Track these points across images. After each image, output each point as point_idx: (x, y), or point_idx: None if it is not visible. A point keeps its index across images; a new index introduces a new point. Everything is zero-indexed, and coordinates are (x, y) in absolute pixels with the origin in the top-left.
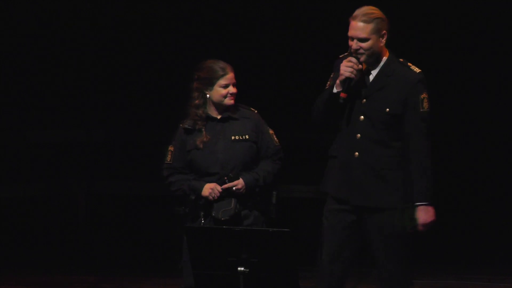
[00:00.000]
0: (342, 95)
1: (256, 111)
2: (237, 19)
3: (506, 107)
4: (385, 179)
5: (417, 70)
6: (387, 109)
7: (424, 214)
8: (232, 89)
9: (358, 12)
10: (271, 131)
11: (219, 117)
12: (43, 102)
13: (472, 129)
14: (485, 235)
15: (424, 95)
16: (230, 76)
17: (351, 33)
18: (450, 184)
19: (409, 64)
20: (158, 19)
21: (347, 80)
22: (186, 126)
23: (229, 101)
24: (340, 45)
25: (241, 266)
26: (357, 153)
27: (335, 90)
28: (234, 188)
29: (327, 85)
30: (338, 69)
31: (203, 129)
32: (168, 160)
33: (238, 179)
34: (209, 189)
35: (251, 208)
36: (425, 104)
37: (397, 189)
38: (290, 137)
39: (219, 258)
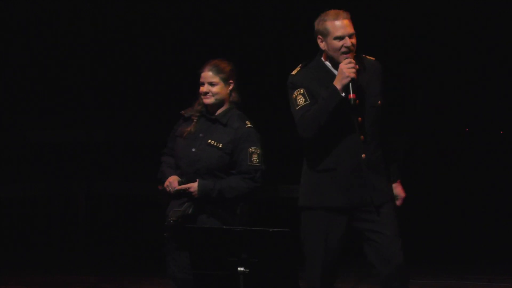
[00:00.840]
0: (352, 96)
1: (249, 126)
2: (239, 19)
3: (506, 107)
4: (384, 172)
5: (373, 58)
6: (379, 102)
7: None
8: (204, 88)
9: (335, 12)
10: (253, 150)
11: (210, 115)
12: (43, 102)
13: (473, 129)
14: (485, 235)
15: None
16: (205, 74)
17: (341, 32)
18: (450, 184)
19: (363, 55)
20: (158, 19)
21: (352, 81)
22: (184, 114)
23: (204, 99)
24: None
25: (241, 266)
26: (364, 155)
27: (342, 94)
28: (187, 190)
29: (300, 101)
30: (303, 85)
31: (194, 120)
32: (168, 142)
33: (195, 182)
34: (168, 181)
35: (209, 214)
36: None
37: (389, 180)
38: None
39: (219, 258)
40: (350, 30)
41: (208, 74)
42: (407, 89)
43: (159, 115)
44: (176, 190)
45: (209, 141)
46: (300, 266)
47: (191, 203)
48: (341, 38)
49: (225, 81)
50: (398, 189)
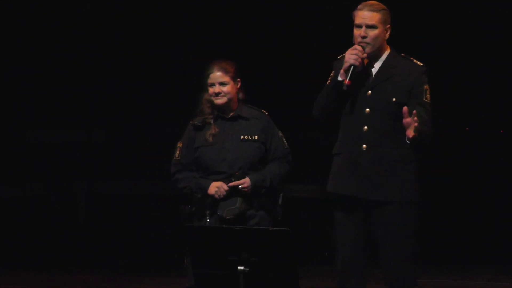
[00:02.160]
0: (347, 82)
1: (266, 113)
2: (240, 18)
3: (506, 106)
4: (396, 172)
5: (420, 63)
6: (394, 99)
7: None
8: (216, 89)
9: (364, 3)
10: (280, 134)
11: (228, 116)
12: (43, 102)
13: (473, 129)
14: (486, 235)
15: (427, 87)
16: (214, 75)
17: (359, 20)
18: (450, 184)
19: (411, 58)
20: (158, 19)
21: (351, 67)
22: (196, 122)
23: (216, 100)
24: (342, 44)
25: (241, 266)
26: (365, 145)
27: (339, 78)
28: (240, 187)
29: (327, 83)
30: (338, 69)
31: (212, 123)
32: (176, 156)
33: (245, 178)
34: (215, 187)
35: (257, 208)
36: (428, 96)
37: (410, 181)
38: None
39: (219, 258)
40: (370, 21)
41: (218, 75)
42: None
43: (159, 115)
44: (228, 188)
45: (242, 137)
46: (300, 266)
47: (241, 199)
48: (359, 26)
49: (234, 79)
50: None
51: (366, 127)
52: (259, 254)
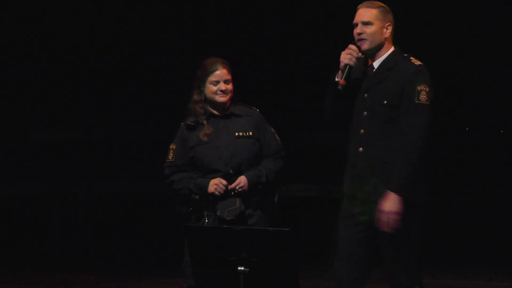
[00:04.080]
0: (341, 81)
1: (258, 110)
2: (238, 17)
3: (507, 106)
4: (390, 173)
5: (417, 62)
6: (385, 101)
7: (387, 202)
8: (222, 86)
9: (362, 3)
10: (272, 130)
11: (219, 114)
12: (44, 102)
13: (473, 128)
14: (486, 234)
15: (421, 87)
16: (220, 72)
17: (355, 19)
18: (450, 184)
19: (411, 58)
20: (158, 19)
21: (346, 67)
22: (188, 122)
23: (219, 98)
24: (341, 43)
25: (241, 266)
26: (361, 148)
27: (336, 79)
28: (237, 187)
29: None
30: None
31: (205, 123)
32: (170, 158)
33: (240, 172)
34: (214, 185)
35: (255, 207)
36: (422, 97)
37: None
38: (289, 137)
39: (219, 258)
40: (364, 17)
41: (224, 72)
42: None
43: (159, 115)
44: (229, 189)
45: (237, 134)
46: (300, 266)
47: (240, 199)
48: (355, 25)
49: (233, 78)
50: (383, 200)
51: (362, 130)
52: (259, 254)
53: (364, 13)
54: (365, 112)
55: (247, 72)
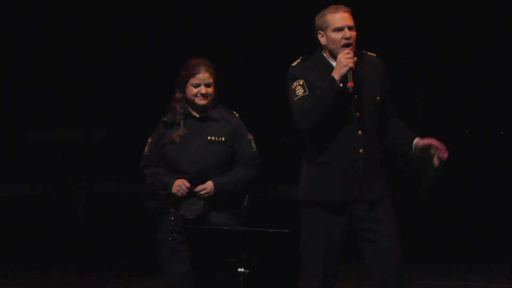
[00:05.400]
0: (351, 84)
1: (237, 115)
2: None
3: (507, 107)
4: (380, 170)
5: (374, 54)
6: (378, 97)
7: (429, 139)
8: (202, 89)
9: (335, 6)
10: (250, 137)
11: (198, 115)
12: (44, 102)
13: (473, 128)
14: (485, 235)
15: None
16: (201, 76)
17: (341, 23)
18: (450, 184)
19: (364, 51)
20: (158, 18)
21: (350, 70)
22: (166, 119)
23: (199, 101)
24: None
25: (241, 267)
26: (361, 149)
27: (341, 85)
28: (203, 192)
29: (299, 92)
30: (302, 76)
31: (181, 123)
32: (145, 151)
33: (205, 176)
34: (177, 186)
35: (222, 209)
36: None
37: (390, 179)
38: (290, 137)
39: (219, 259)
40: (350, 22)
41: (206, 76)
42: (407, 89)
43: (158, 115)
44: (191, 186)
45: (209, 137)
46: (300, 267)
47: (205, 201)
48: (340, 29)
49: (215, 81)
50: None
51: (360, 131)
52: (259, 256)
53: (349, 18)
54: (358, 114)
55: (247, 72)
